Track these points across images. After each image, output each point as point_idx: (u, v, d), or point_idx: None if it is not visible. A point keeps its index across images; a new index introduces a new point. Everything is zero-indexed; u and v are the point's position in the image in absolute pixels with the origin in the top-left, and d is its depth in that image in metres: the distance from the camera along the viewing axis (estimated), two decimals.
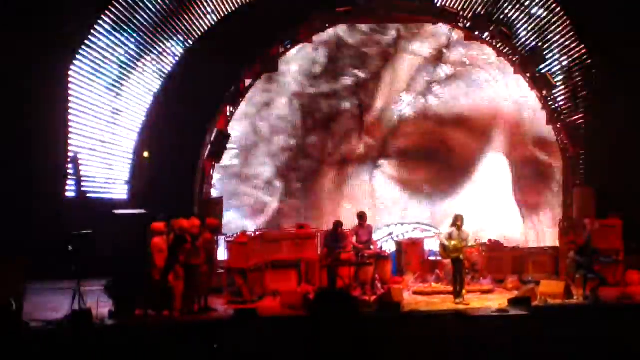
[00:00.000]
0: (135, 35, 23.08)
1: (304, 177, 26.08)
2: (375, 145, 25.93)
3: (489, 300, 20.24)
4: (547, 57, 24.15)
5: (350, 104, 25.88)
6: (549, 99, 24.20)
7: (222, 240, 21.71)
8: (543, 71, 24.03)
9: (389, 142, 25.73)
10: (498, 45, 24.12)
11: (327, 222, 23.03)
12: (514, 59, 24.14)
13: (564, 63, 24.33)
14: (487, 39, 24.09)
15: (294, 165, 25.98)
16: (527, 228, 25.53)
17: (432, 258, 22.62)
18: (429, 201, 25.74)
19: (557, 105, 24.29)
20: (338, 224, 20.94)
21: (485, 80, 25.44)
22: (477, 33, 24.00)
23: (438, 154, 25.73)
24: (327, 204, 25.74)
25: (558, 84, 24.24)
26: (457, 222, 20.30)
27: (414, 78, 25.52)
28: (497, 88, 25.40)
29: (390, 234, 23.65)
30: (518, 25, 24.17)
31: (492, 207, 25.27)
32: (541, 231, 25.65)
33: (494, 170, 25.43)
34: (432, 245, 22.78)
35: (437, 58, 25.58)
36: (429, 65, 25.81)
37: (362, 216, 21.34)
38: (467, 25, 24.02)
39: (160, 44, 23.40)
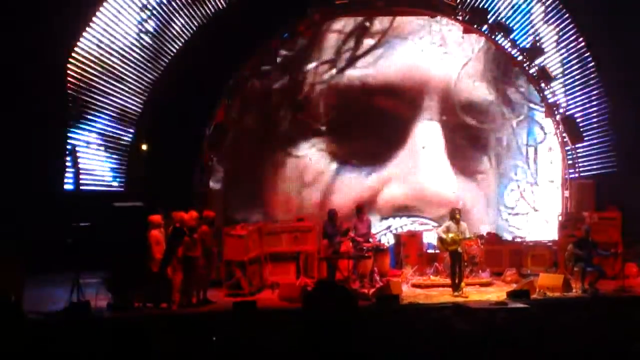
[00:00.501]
0: (133, 26, 23.06)
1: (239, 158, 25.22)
2: (308, 121, 25.21)
3: (487, 293, 20.26)
4: (546, 49, 24.16)
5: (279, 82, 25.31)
6: (547, 92, 24.17)
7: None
8: (542, 64, 24.04)
9: (322, 117, 25.12)
10: (497, 39, 24.08)
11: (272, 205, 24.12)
12: (513, 51, 24.12)
13: (563, 55, 24.32)
14: (485, 32, 24.05)
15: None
16: (464, 191, 25.15)
17: (430, 251, 22.65)
18: (365, 172, 25.16)
19: (555, 98, 24.26)
20: (333, 213, 20.94)
21: (411, 49, 24.98)
22: (475, 26, 23.97)
23: (369, 124, 25.12)
24: (265, 186, 25.22)
25: (557, 77, 24.25)
26: (455, 215, 20.33)
27: (340, 51, 24.99)
28: (424, 56, 24.94)
29: (389, 227, 23.63)
30: (517, 18, 24.16)
31: (428, 172, 24.85)
32: (477, 195, 25.28)
33: (426, 137, 24.94)
34: (430, 238, 22.78)
35: (363, 29, 24.93)
36: (353, 38, 25.20)
37: (360, 209, 21.35)
38: (466, 18, 23.99)
39: (159, 36, 23.38)
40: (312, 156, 25.10)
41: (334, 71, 24.79)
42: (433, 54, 24.79)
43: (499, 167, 25.55)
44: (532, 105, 25.25)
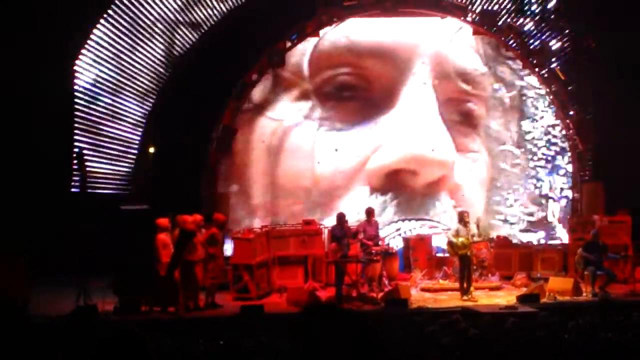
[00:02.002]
0: (141, 28, 23.01)
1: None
2: (288, 82, 24.49)
3: (497, 297, 20.16)
4: (556, 51, 24.06)
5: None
6: (558, 93, 24.07)
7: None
8: (552, 66, 23.94)
9: (304, 78, 24.43)
10: (507, 40, 23.98)
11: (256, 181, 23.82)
12: (523, 53, 24.02)
13: (574, 57, 24.23)
14: (495, 34, 23.95)
15: None
16: (462, 159, 24.84)
17: (439, 254, 22.54)
18: (353, 137, 24.56)
19: (566, 100, 24.16)
20: (342, 216, 20.82)
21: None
22: (485, 28, 23.88)
23: (356, 87, 24.54)
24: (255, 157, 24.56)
25: (567, 78, 24.16)
26: (464, 218, 20.23)
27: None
28: (416, 19, 24.38)
29: (398, 229, 23.51)
30: (527, 20, 24.07)
31: (422, 134, 24.24)
32: (470, 174, 25.00)
33: (417, 101, 24.37)
34: (439, 241, 22.67)
35: None
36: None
37: (370, 212, 21.22)
38: (476, 19, 23.91)
39: (168, 38, 23.32)
40: (293, 120, 24.54)
41: (294, 37, 24.05)
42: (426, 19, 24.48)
43: (491, 150, 25.20)
44: (523, 83, 24.99)
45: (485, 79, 24.88)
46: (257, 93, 24.22)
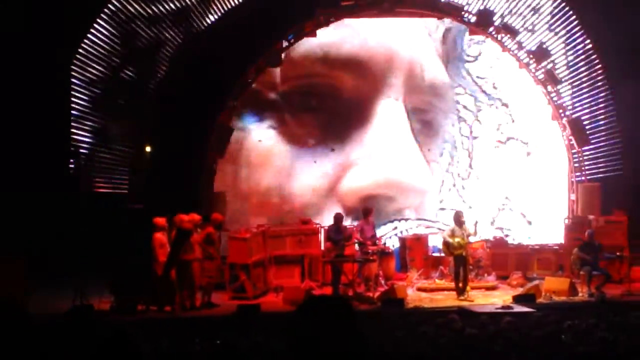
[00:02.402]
0: (139, 28, 23.03)
1: None
2: (260, 92, 24.25)
3: (493, 296, 20.18)
4: (553, 52, 24.08)
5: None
6: (553, 94, 24.10)
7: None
8: (548, 67, 23.96)
9: (276, 89, 24.30)
10: (503, 40, 24.01)
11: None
12: (519, 53, 24.05)
13: (570, 58, 24.24)
14: (492, 34, 23.98)
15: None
16: (436, 179, 24.92)
17: (435, 254, 22.54)
18: (324, 155, 24.35)
19: (562, 101, 24.20)
20: (339, 217, 20.82)
21: (376, 21, 24.20)
22: (482, 28, 23.90)
23: (327, 100, 24.33)
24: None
25: (563, 79, 24.18)
26: (459, 218, 20.24)
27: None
28: (391, 31, 24.36)
29: (395, 228, 23.49)
30: (523, 20, 24.09)
31: (397, 156, 24.21)
32: (432, 185, 25.00)
33: (390, 118, 24.25)
34: (436, 241, 22.68)
35: None
36: None
37: (368, 211, 21.23)
38: (473, 20, 23.93)
39: (165, 37, 23.35)
40: (261, 134, 24.30)
41: (291, 37, 23.78)
42: (399, 28, 24.49)
43: (445, 156, 25.28)
44: (482, 95, 25.10)
45: (449, 91, 25.09)
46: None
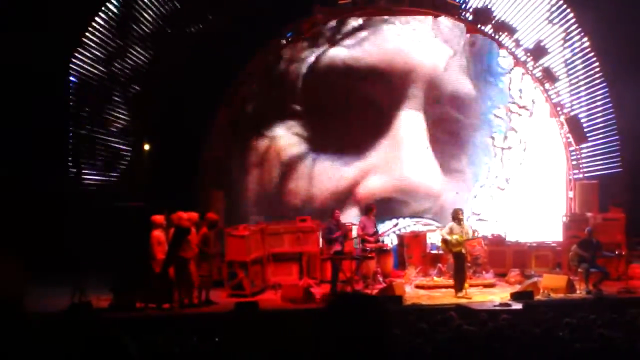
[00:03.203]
0: (135, 26, 23.06)
1: None
2: (282, 100, 24.77)
3: (491, 294, 20.20)
4: (550, 50, 24.10)
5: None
6: (551, 92, 24.14)
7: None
8: (546, 64, 24.00)
9: (297, 98, 24.75)
10: (500, 39, 24.04)
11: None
12: (517, 51, 24.08)
13: (567, 56, 24.28)
14: (489, 32, 24.01)
15: None
16: (448, 184, 25.11)
17: (434, 251, 22.55)
18: (344, 161, 24.89)
19: (559, 98, 24.23)
20: (337, 213, 20.88)
21: (398, 34, 24.72)
22: (479, 26, 23.93)
23: (350, 110, 24.78)
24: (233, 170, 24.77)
25: (561, 77, 24.22)
26: (458, 215, 20.26)
27: (321, 29, 24.50)
28: (411, 43, 24.72)
29: (396, 224, 23.53)
30: (521, 18, 24.11)
31: (411, 163, 24.63)
32: (455, 195, 25.07)
33: (410, 128, 24.68)
34: (434, 238, 22.70)
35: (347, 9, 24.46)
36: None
37: (371, 208, 21.30)
38: (470, 18, 23.96)
39: (163, 35, 23.38)
40: (287, 139, 24.72)
41: (314, 49, 24.41)
42: (420, 40, 24.69)
43: (474, 166, 25.48)
44: (509, 107, 25.21)
45: (476, 103, 25.21)
46: (250, 108, 24.45)
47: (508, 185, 25.35)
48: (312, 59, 24.53)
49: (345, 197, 24.45)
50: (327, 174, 24.81)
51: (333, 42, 24.52)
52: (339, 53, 24.50)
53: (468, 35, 24.58)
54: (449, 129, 25.09)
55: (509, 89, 25.15)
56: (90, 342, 4.99)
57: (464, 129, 25.27)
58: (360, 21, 24.50)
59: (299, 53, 24.33)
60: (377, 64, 24.63)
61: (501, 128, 25.33)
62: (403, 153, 24.60)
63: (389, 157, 24.70)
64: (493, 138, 25.33)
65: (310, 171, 24.89)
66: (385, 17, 24.47)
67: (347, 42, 24.47)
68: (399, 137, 24.68)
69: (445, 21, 24.44)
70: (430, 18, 24.50)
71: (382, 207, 23.57)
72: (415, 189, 24.53)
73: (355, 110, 24.74)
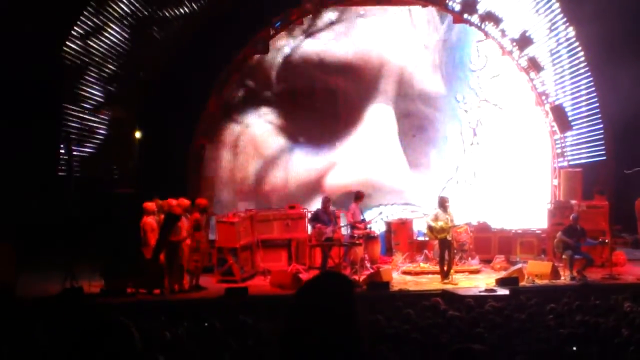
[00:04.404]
0: (127, 16, 23.11)
1: None
2: (256, 89, 24.92)
3: (476, 280, 20.39)
4: (535, 39, 24.25)
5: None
6: (536, 81, 24.31)
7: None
8: (531, 54, 24.16)
9: (271, 87, 24.97)
10: (487, 28, 24.17)
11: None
12: (503, 41, 24.22)
13: (552, 45, 24.46)
14: (476, 22, 24.14)
15: None
16: (415, 181, 25.40)
17: (420, 238, 22.69)
18: (313, 152, 25.09)
19: (544, 88, 24.42)
20: (326, 200, 21.07)
21: (371, 29, 24.85)
22: (466, 16, 24.06)
23: (321, 101, 25.03)
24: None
25: (546, 66, 24.39)
26: (444, 203, 20.44)
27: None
28: (384, 38, 24.86)
29: (381, 213, 23.71)
30: (507, 8, 24.23)
31: (378, 158, 24.93)
32: (422, 190, 25.38)
33: (379, 121, 24.94)
34: (420, 225, 22.85)
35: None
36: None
37: (361, 195, 21.50)
38: (457, 8, 24.07)
39: (153, 26, 23.44)
40: (259, 127, 24.91)
41: (290, 40, 24.67)
42: (393, 36, 24.88)
43: (443, 160, 25.64)
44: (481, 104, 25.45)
45: (445, 100, 25.40)
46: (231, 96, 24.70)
47: (475, 179, 25.47)
48: (287, 50, 24.74)
49: (313, 187, 24.63)
50: (295, 163, 25.02)
51: (308, 34, 24.72)
52: (313, 46, 24.72)
53: (442, 31, 24.77)
54: (417, 124, 25.28)
55: (480, 87, 25.30)
56: (93, 327, 5.07)
57: (432, 124, 25.47)
58: (334, 15, 24.66)
59: (275, 43, 24.47)
60: (350, 58, 24.88)
61: (471, 124, 25.46)
62: (370, 147, 24.90)
63: (356, 151, 24.99)
64: (462, 133, 25.47)
65: (279, 159, 25.10)
66: (361, 11, 24.66)
67: (323, 34, 24.69)
68: (367, 130, 25.01)
69: (419, 16, 24.64)
70: (406, 14, 24.72)
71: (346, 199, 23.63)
72: (379, 184, 24.81)
73: (326, 101, 25.01)
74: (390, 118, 24.89)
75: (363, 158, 24.95)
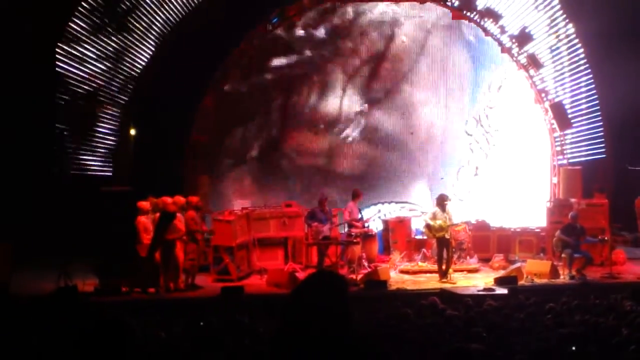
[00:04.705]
0: (121, 13, 23.00)
1: None
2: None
3: (475, 279, 20.29)
4: (535, 36, 24.13)
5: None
6: (536, 78, 24.20)
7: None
8: (530, 51, 24.05)
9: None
10: (486, 25, 24.06)
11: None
12: (502, 38, 24.11)
13: (552, 42, 24.34)
14: (475, 19, 24.03)
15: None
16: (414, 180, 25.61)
17: (418, 237, 22.60)
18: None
19: (544, 85, 24.31)
20: (323, 198, 20.93)
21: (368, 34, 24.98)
22: (465, 12, 23.95)
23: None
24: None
25: (545, 63, 24.27)
26: (443, 201, 20.33)
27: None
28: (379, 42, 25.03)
29: (379, 211, 23.59)
30: (506, 4, 24.12)
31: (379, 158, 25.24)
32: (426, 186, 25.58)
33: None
34: (418, 224, 22.76)
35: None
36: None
37: (357, 194, 21.37)
38: (455, 4, 23.97)
39: (147, 21, 23.31)
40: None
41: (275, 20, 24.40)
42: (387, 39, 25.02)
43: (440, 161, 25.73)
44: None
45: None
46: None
47: (475, 177, 25.42)
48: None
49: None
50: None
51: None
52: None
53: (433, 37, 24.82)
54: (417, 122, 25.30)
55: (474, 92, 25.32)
56: (92, 325, 5.02)
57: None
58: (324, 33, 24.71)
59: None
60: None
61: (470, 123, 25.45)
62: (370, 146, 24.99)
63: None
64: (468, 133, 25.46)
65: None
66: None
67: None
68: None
69: (409, 22, 24.65)
70: (401, 19, 24.70)
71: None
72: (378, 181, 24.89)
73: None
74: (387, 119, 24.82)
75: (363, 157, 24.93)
